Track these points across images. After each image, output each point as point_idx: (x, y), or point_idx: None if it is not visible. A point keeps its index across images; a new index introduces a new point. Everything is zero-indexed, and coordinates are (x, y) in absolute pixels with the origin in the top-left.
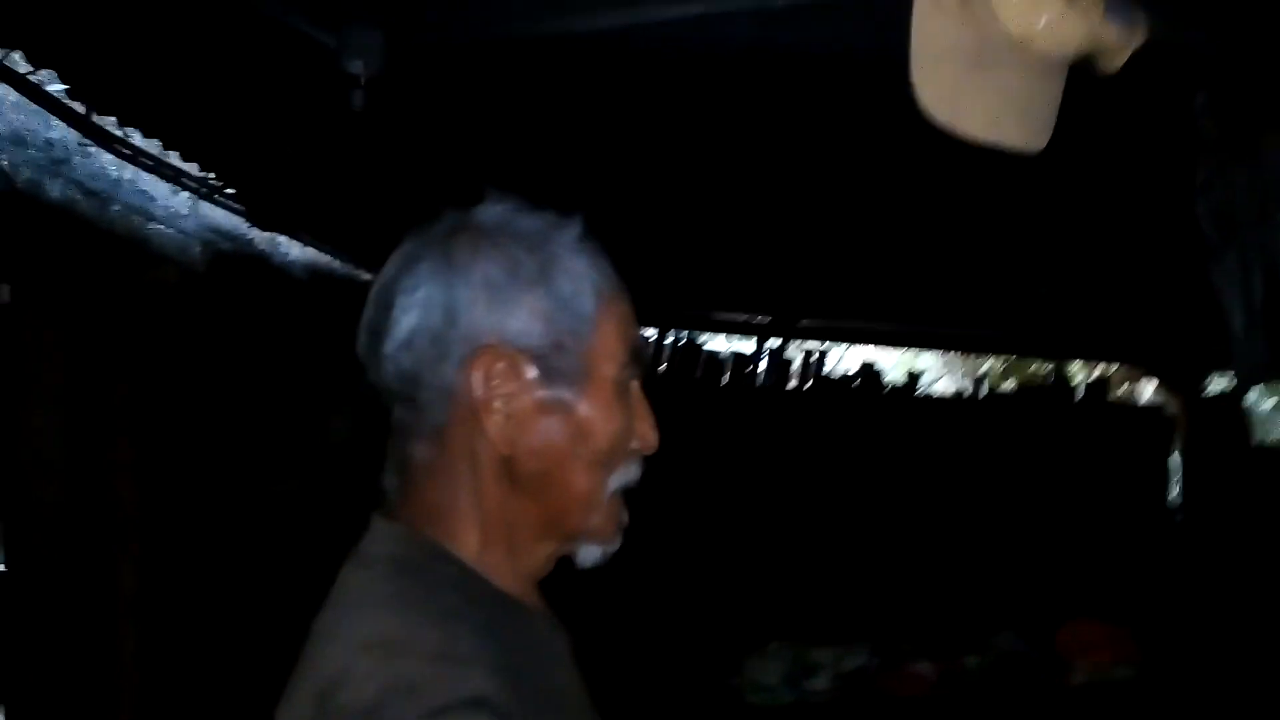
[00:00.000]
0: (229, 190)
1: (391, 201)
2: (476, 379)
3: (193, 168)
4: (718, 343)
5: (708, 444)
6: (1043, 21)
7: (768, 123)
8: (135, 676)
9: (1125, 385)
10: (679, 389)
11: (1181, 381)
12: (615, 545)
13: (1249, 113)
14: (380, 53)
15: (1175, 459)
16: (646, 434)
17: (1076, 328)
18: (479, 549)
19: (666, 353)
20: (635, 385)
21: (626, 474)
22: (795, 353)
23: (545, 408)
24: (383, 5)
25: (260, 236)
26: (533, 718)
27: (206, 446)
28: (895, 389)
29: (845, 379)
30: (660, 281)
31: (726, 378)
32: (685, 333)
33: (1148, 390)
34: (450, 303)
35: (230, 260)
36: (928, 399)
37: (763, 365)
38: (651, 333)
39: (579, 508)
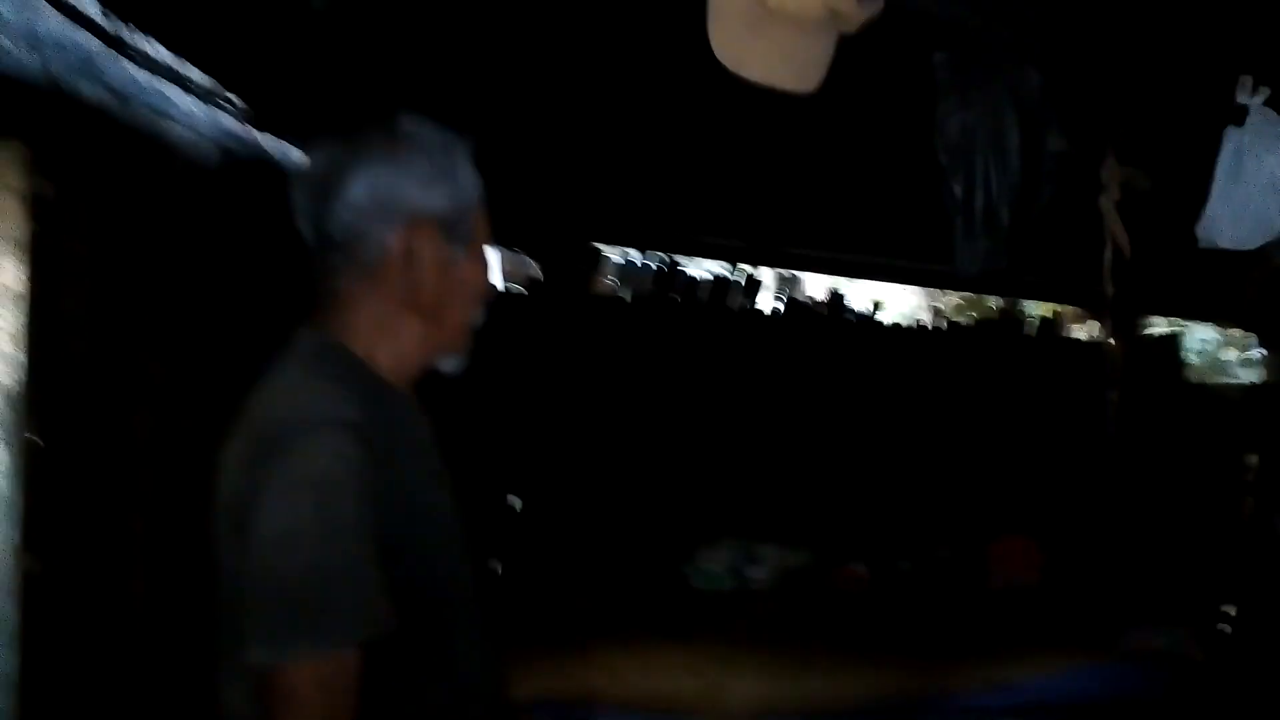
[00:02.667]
0: (230, 96)
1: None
2: (408, 237)
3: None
4: (695, 265)
5: (684, 358)
6: None
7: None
8: (150, 528)
9: (1078, 323)
10: (659, 306)
11: (1120, 321)
12: (465, 359)
13: (980, 67)
14: None
15: (1111, 393)
16: (489, 287)
17: (1029, 267)
18: (369, 348)
19: (649, 272)
20: (486, 254)
21: (477, 313)
22: (769, 277)
23: (443, 260)
24: None
25: (266, 140)
26: (385, 445)
27: (218, 330)
28: (859, 315)
29: (815, 304)
30: (643, 205)
31: (704, 297)
32: (665, 255)
33: (1093, 328)
34: (393, 184)
35: (237, 158)
36: (889, 327)
37: (737, 287)
38: (635, 254)
39: (456, 330)
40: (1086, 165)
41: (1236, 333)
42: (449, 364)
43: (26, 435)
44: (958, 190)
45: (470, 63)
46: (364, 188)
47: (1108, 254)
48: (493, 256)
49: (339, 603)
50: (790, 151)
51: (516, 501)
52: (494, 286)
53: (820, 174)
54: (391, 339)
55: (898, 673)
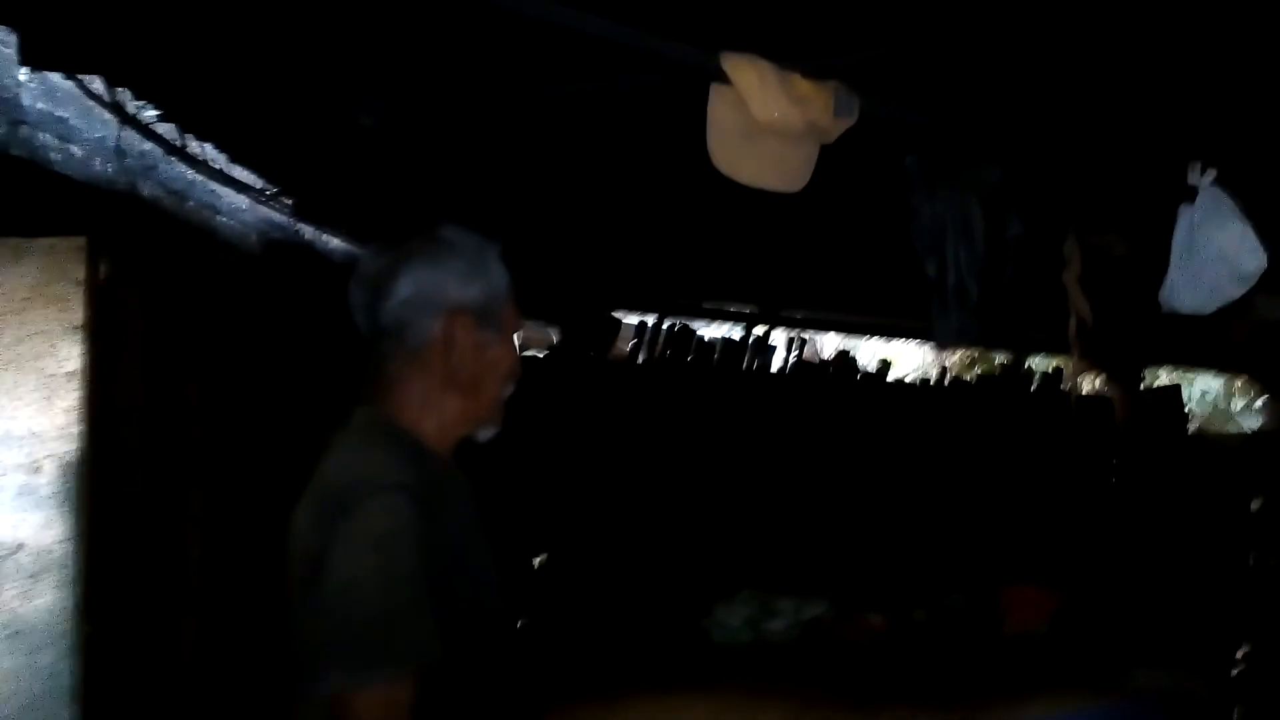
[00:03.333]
0: (278, 193)
1: (397, 206)
2: (449, 327)
3: (250, 176)
4: (710, 330)
5: (699, 417)
6: (775, 114)
7: None
8: (202, 593)
9: (1081, 377)
10: (675, 368)
11: (1123, 374)
12: (498, 428)
13: (947, 164)
14: (381, 112)
15: (1116, 443)
16: (518, 366)
17: (1033, 323)
18: (415, 421)
19: (664, 336)
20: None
21: (509, 388)
22: (779, 339)
23: (478, 345)
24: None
25: (306, 230)
26: (431, 506)
27: (261, 400)
28: (867, 374)
29: (823, 363)
30: (658, 274)
31: (716, 359)
32: (680, 320)
33: (1097, 382)
34: (434, 280)
35: (280, 247)
36: (897, 384)
37: (749, 350)
38: (651, 319)
39: (490, 404)
40: (1052, 243)
41: (1240, 381)
42: (484, 433)
43: (84, 506)
44: (931, 271)
45: (497, 144)
46: (410, 285)
47: (1072, 322)
48: (519, 338)
49: (401, 638)
50: (798, 223)
51: (541, 559)
52: (521, 365)
53: (827, 242)
54: (435, 413)
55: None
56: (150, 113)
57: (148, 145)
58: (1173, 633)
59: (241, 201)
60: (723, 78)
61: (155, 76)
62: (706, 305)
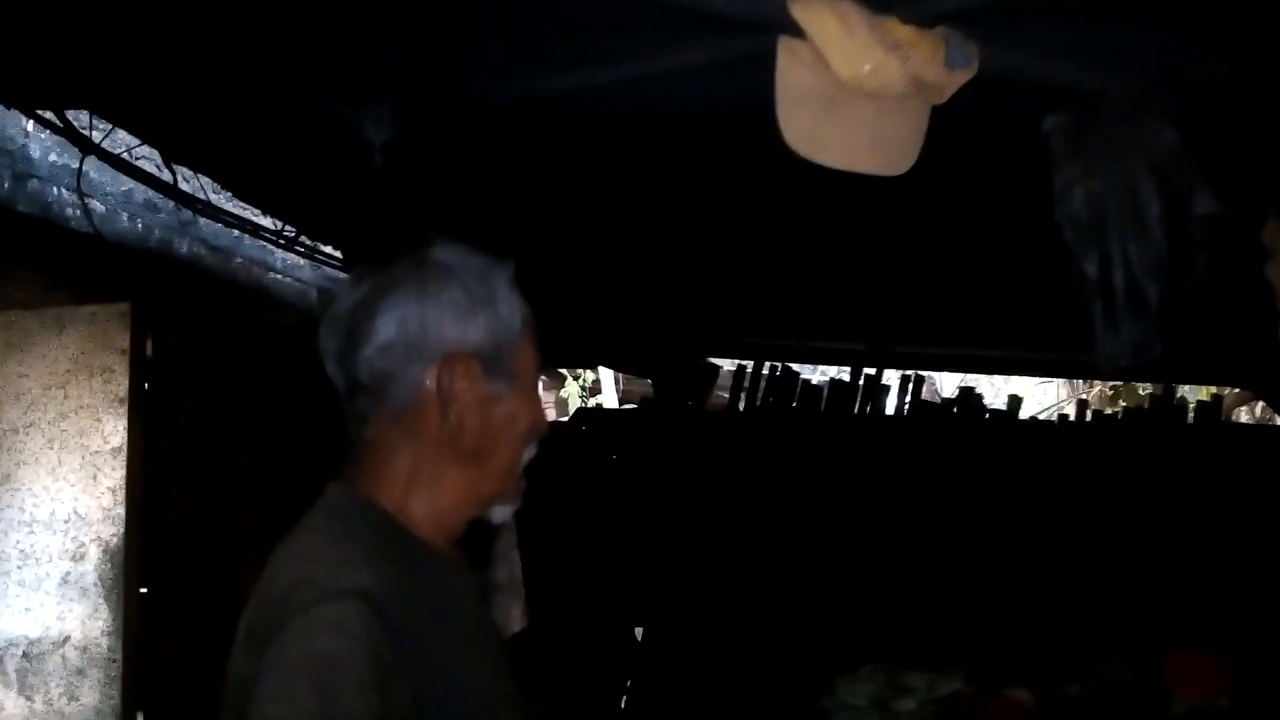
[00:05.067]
0: (325, 249)
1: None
2: (445, 377)
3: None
4: (815, 371)
5: (808, 469)
6: (867, 68)
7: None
8: None
9: (1240, 406)
10: (778, 416)
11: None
12: (518, 505)
13: (1103, 127)
14: (392, 121)
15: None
16: (542, 423)
17: (1183, 349)
18: (401, 501)
19: (765, 382)
20: (537, 389)
21: (530, 451)
22: (893, 379)
23: (488, 398)
24: (393, 80)
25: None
26: (413, 621)
27: (318, 472)
28: (996, 414)
29: (944, 403)
30: (754, 313)
31: (824, 405)
32: (781, 363)
33: (1261, 411)
34: (424, 319)
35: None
36: (1030, 423)
37: (860, 392)
38: (747, 365)
39: (503, 475)
40: (1243, 229)
41: None
42: (498, 513)
43: (130, 595)
44: (1092, 271)
45: (568, 189)
46: (392, 325)
47: None
48: (542, 388)
49: None
50: (906, 245)
51: (639, 631)
52: (547, 422)
53: (940, 265)
54: (427, 489)
55: None
56: (182, 169)
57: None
58: None
59: (299, 261)
60: (793, 29)
61: (175, 127)
62: (809, 345)
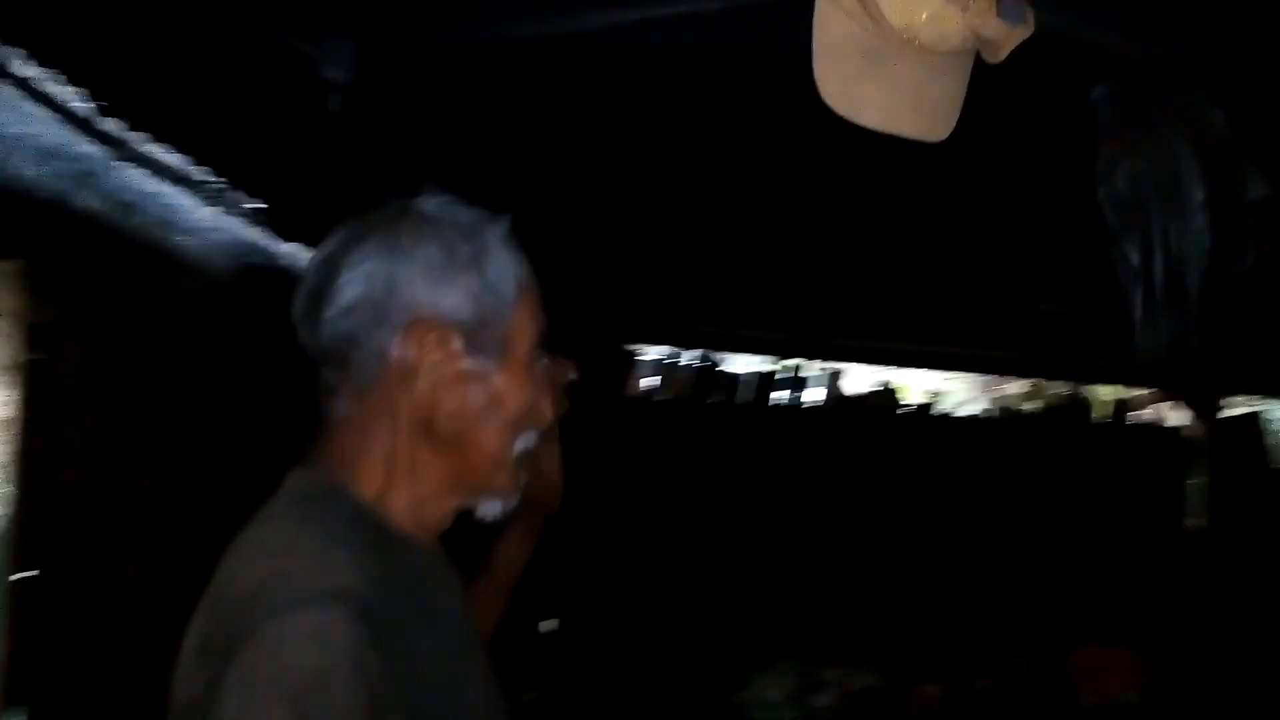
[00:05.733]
0: (247, 202)
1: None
2: (412, 346)
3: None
4: (736, 362)
5: (726, 461)
6: (924, 16)
7: (773, 131)
8: (147, 672)
9: (1148, 407)
10: (698, 407)
11: (1199, 403)
12: (512, 500)
13: (1146, 102)
14: (354, 60)
15: (1194, 480)
16: (544, 409)
17: (1095, 350)
18: (379, 491)
19: (684, 372)
20: (539, 369)
21: (527, 440)
22: (814, 372)
23: (467, 376)
24: (356, 14)
25: (286, 250)
26: (398, 623)
27: (227, 450)
28: (913, 409)
29: (864, 398)
30: (679, 302)
31: (746, 396)
32: (702, 352)
33: (1169, 412)
34: (392, 276)
35: (255, 272)
36: (946, 419)
37: (781, 384)
38: (669, 352)
39: (488, 465)
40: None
41: None
42: (488, 508)
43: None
44: (1134, 257)
45: (494, 162)
46: (357, 282)
47: None
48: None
49: None
50: (835, 236)
51: (551, 625)
52: (552, 408)
53: (870, 257)
54: (406, 477)
55: None
56: (83, 104)
57: (88, 147)
58: None
59: (208, 215)
60: None
61: (87, 55)
62: (734, 333)
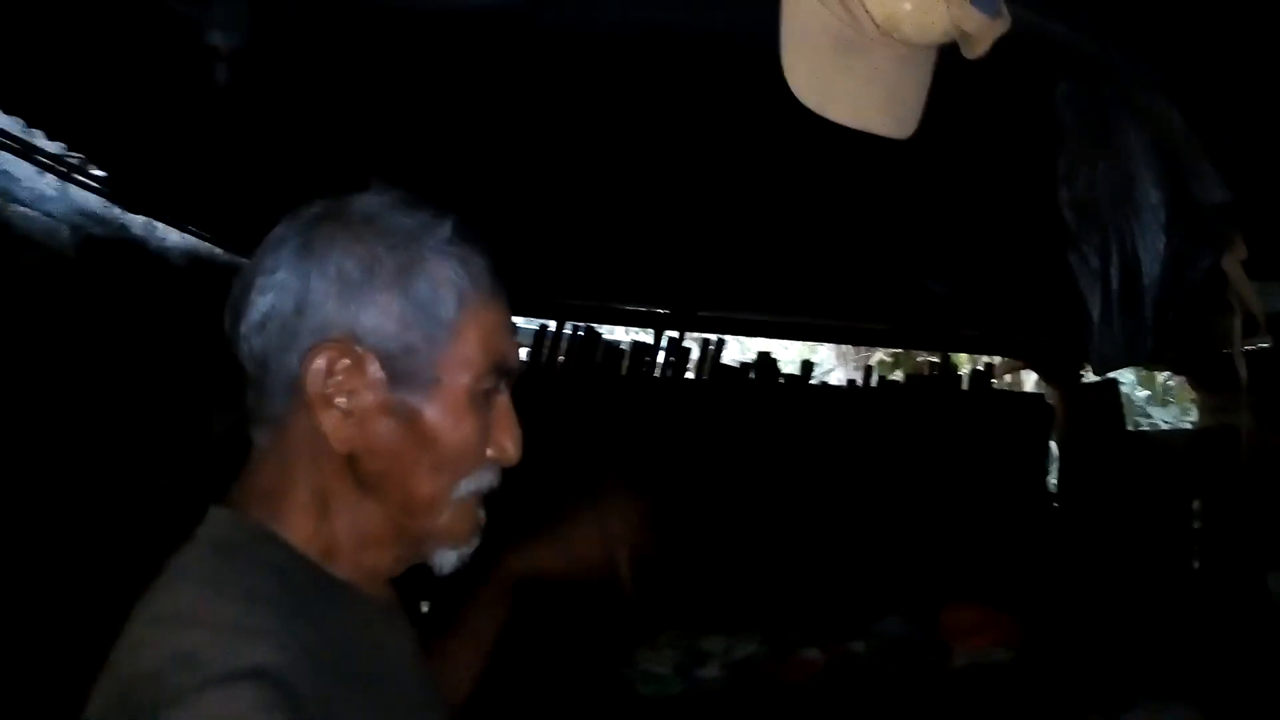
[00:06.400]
0: (94, 170)
1: (271, 184)
2: (315, 372)
3: (56, 147)
4: (617, 334)
5: (604, 433)
6: (907, 7)
7: (657, 107)
8: None
9: (1009, 375)
10: (578, 378)
11: (1058, 371)
12: (470, 548)
13: (1107, 102)
14: (244, 24)
15: (1054, 445)
16: (505, 446)
17: (960, 321)
18: (310, 536)
19: (565, 343)
20: (501, 397)
21: (479, 480)
22: (693, 343)
23: (388, 409)
24: None
25: (136, 221)
26: (333, 696)
27: (72, 440)
28: (789, 378)
29: (742, 368)
30: (557, 273)
31: (625, 367)
32: (584, 325)
33: (1030, 379)
34: (303, 290)
35: (102, 245)
36: (820, 387)
37: (661, 355)
38: (549, 324)
39: (422, 511)
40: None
41: (1160, 376)
42: (441, 559)
43: None
44: (1094, 261)
45: (403, 139)
46: (269, 293)
47: (1237, 324)
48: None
49: None
50: (710, 211)
51: (425, 604)
52: (511, 451)
53: (743, 232)
54: (340, 520)
55: None
56: None
57: None
58: (1154, 660)
59: (48, 185)
60: None
61: None
62: (612, 306)
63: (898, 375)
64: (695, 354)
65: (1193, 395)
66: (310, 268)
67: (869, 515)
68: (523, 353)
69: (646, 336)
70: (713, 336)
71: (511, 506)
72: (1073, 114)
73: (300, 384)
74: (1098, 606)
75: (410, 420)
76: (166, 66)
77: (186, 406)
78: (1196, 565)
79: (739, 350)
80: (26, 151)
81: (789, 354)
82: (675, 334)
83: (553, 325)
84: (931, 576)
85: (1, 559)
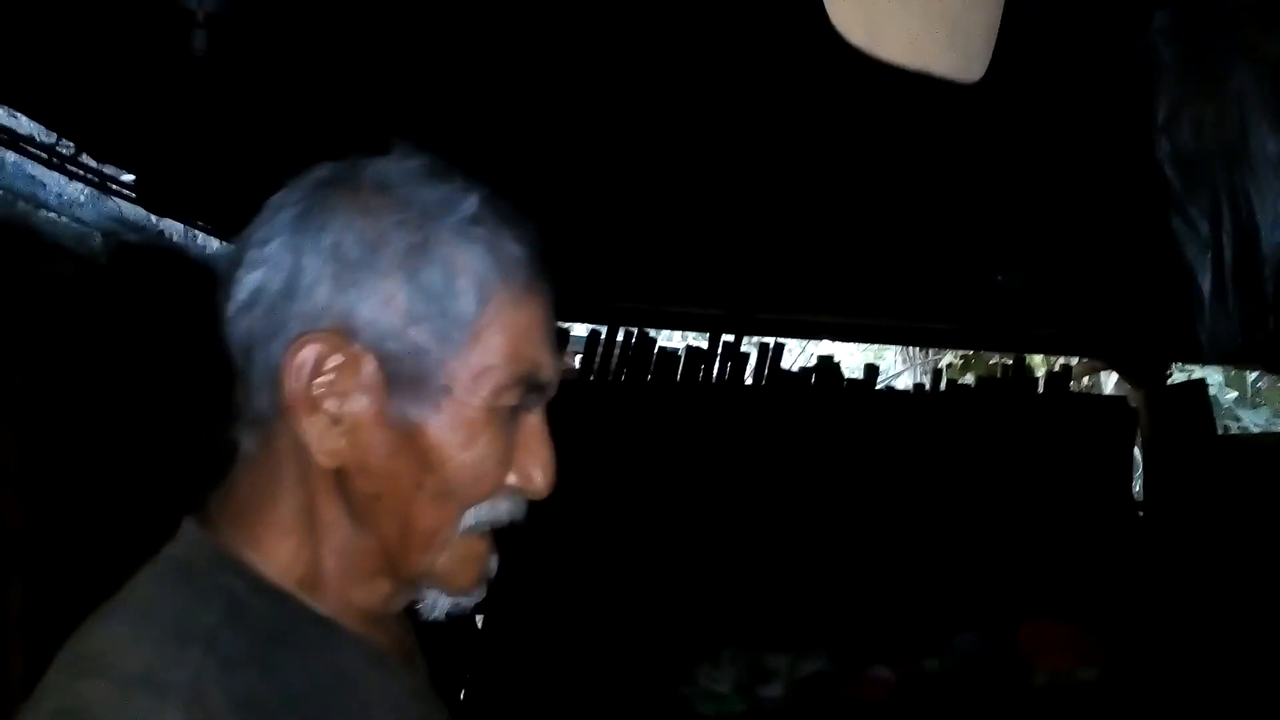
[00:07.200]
0: (120, 175)
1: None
2: (299, 367)
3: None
4: (671, 339)
5: (660, 442)
6: None
7: (708, 99)
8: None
9: (1088, 376)
10: (633, 384)
11: (1143, 371)
12: (473, 596)
13: (1216, 36)
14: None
15: (1138, 451)
16: (532, 475)
17: (1034, 319)
18: (290, 561)
19: (619, 348)
20: (530, 416)
21: (494, 511)
22: (751, 347)
23: (385, 420)
24: None
25: (172, 228)
26: None
27: (106, 450)
28: (853, 383)
29: (802, 373)
30: (605, 273)
31: (680, 374)
32: (636, 329)
33: (1110, 381)
34: (295, 268)
35: (136, 252)
36: (886, 392)
37: (717, 360)
38: (600, 329)
39: (419, 544)
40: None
41: (1253, 376)
42: (435, 604)
43: None
44: (1202, 227)
45: (399, 114)
46: (257, 271)
47: None
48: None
49: None
50: (767, 204)
51: (478, 618)
52: (539, 480)
53: (802, 228)
54: (326, 545)
55: None
56: None
57: None
58: (1246, 678)
59: (78, 192)
60: None
61: None
62: (665, 310)
63: (969, 379)
64: (753, 359)
65: None
66: (304, 241)
67: (940, 527)
68: (570, 362)
69: (701, 341)
70: (771, 340)
71: (571, 515)
72: (1173, 50)
73: (283, 374)
74: (1188, 622)
75: (411, 435)
76: (142, 35)
77: (220, 413)
78: None
79: (800, 355)
80: (59, 163)
81: (853, 359)
82: (731, 337)
83: (603, 330)
84: (1009, 591)
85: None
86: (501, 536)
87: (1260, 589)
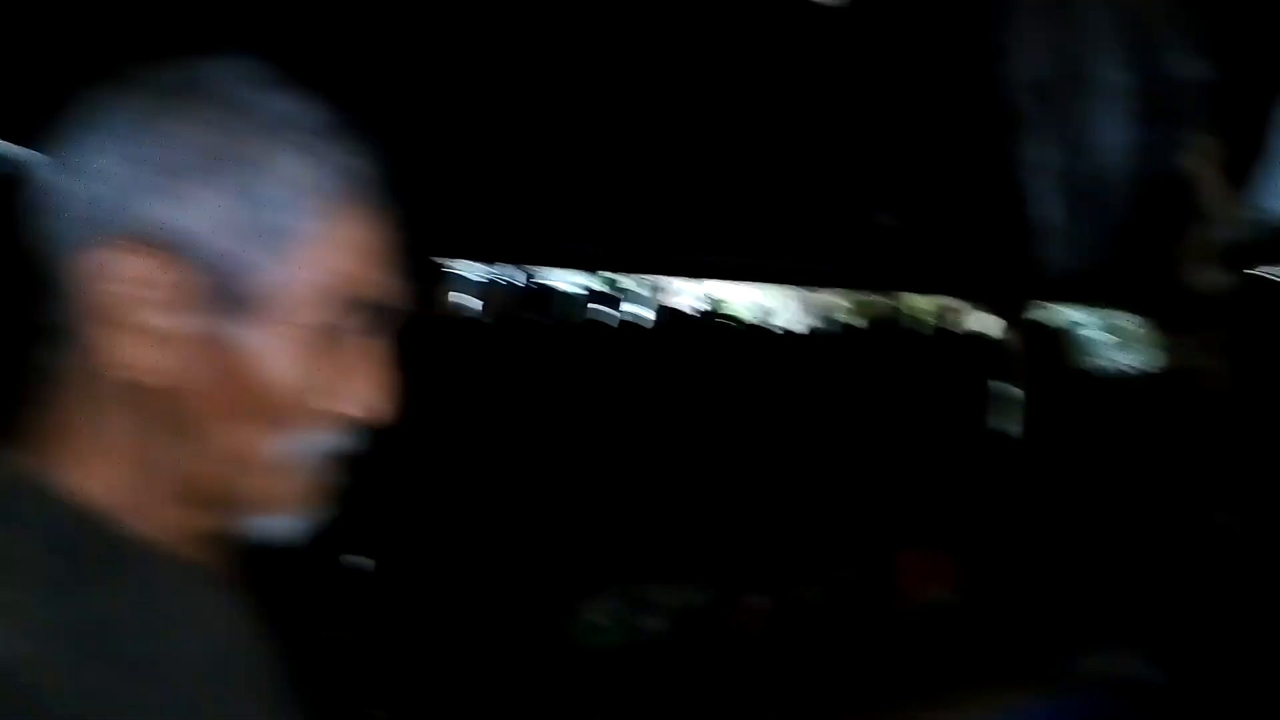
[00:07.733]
0: None
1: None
2: (111, 278)
3: None
4: (556, 278)
5: (547, 381)
6: None
7: (592, 29)
8: None
9: (957, 314)
10: (517, 324)
11: (1007, 308)
12: (303, 517)
13: None
14: None
15: (998, 385)
16: (358, 398)
17: (908, 259)
18: (107, 484)
19: (504, 287)
20: (361, 337)
21: (318, 435)
22: (640, 287)
23: (199, 334)
24: None
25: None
26: (96, 684)
27: None
28: (738, 323)
29: (692, 314)
30: (490, 211)
31: (566, 313)
32: (520, 267)
33: (976, 318)
34: (112, 173)
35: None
36: (769, 333)
37: (605, 300)
38: (490, 267)
39: (227, 466)
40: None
41: (1115, 316)
42: (261, 525)
43: None
44: (1049, 155)
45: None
46: (70, 179)
47: (1199, 234)
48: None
49: None
50: (656, 141)
51: (364, 562)
52: (368, 402)
53: (693, 166)
54: (146, 465)
55: None
56: None
57: None
58: (1106, 605)
59: None
60: None
61: None
62: (549, 248)
63: (849, 319)
64: (640, 297)
65: (1155, 338)
66: (123, 146)
67: (818, 462)
68: (459, 302)
69: (588, 280)
70: (658, 279)
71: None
72: None
73: (93, 289)
74: (1051, 551)
75: (220, 349)
76: None
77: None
78: (1153, 508)
79: (689, 296)
80: None
81: (743, 299)
82: (615, 275)
83: (489, 269)
84: (883, 523)
85: None
86: (388, 482)
87: (1120, 517)
